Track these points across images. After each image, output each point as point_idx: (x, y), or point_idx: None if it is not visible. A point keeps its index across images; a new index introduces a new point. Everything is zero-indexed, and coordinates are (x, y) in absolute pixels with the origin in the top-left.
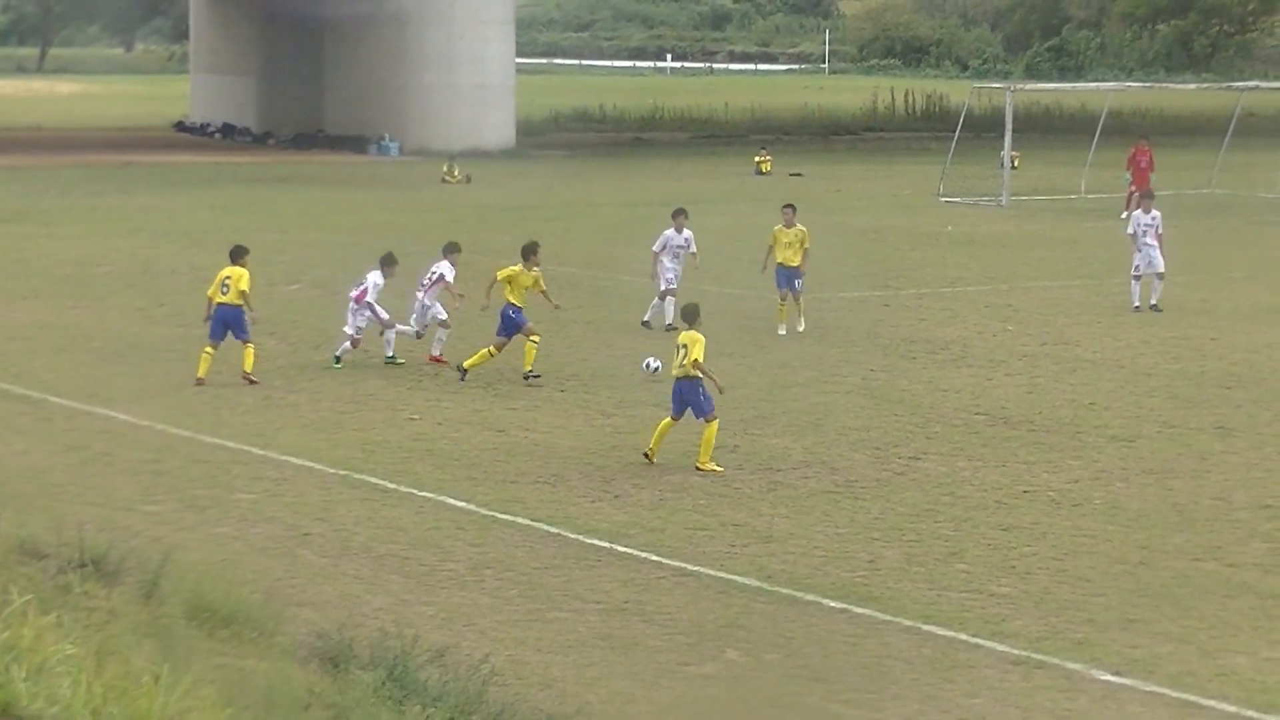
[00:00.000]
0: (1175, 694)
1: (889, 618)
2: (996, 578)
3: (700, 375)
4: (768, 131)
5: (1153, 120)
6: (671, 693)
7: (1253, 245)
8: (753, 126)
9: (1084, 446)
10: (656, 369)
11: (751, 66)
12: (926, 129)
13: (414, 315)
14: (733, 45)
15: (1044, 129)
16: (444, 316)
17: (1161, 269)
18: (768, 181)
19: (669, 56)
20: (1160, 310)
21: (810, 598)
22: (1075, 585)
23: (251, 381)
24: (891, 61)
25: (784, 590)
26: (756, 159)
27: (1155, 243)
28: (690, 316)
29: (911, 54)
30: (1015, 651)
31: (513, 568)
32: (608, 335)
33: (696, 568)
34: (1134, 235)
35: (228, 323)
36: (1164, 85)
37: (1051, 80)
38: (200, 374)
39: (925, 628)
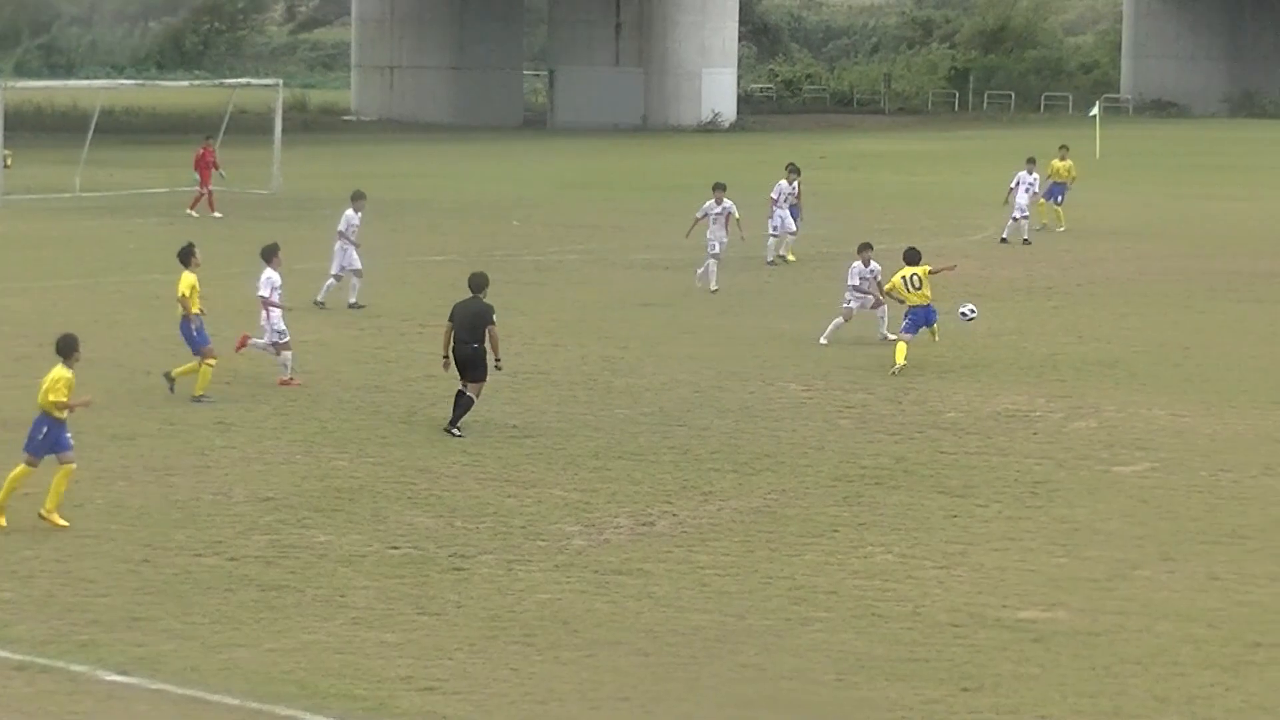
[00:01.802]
0: (180, 690)
1: None
2: None
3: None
4: None
5: (146, 118)
6: None
7: (249, 241)
8: None
9: (85, 448)
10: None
11: None
12: None
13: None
14: None
15: (36, 127)
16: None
17: (359, 267)
18: None
19: None
20: (362, 306)
21: None
22: (79, 586)
23: None
24: None
25: None
26: None
27: (355, 244)
28: (63, 349)
29: None
30: (18, 657)
31: None
32: None
33: None
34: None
35: None
36: (156, 83)
37: (42, 78)
38: None
39: None
